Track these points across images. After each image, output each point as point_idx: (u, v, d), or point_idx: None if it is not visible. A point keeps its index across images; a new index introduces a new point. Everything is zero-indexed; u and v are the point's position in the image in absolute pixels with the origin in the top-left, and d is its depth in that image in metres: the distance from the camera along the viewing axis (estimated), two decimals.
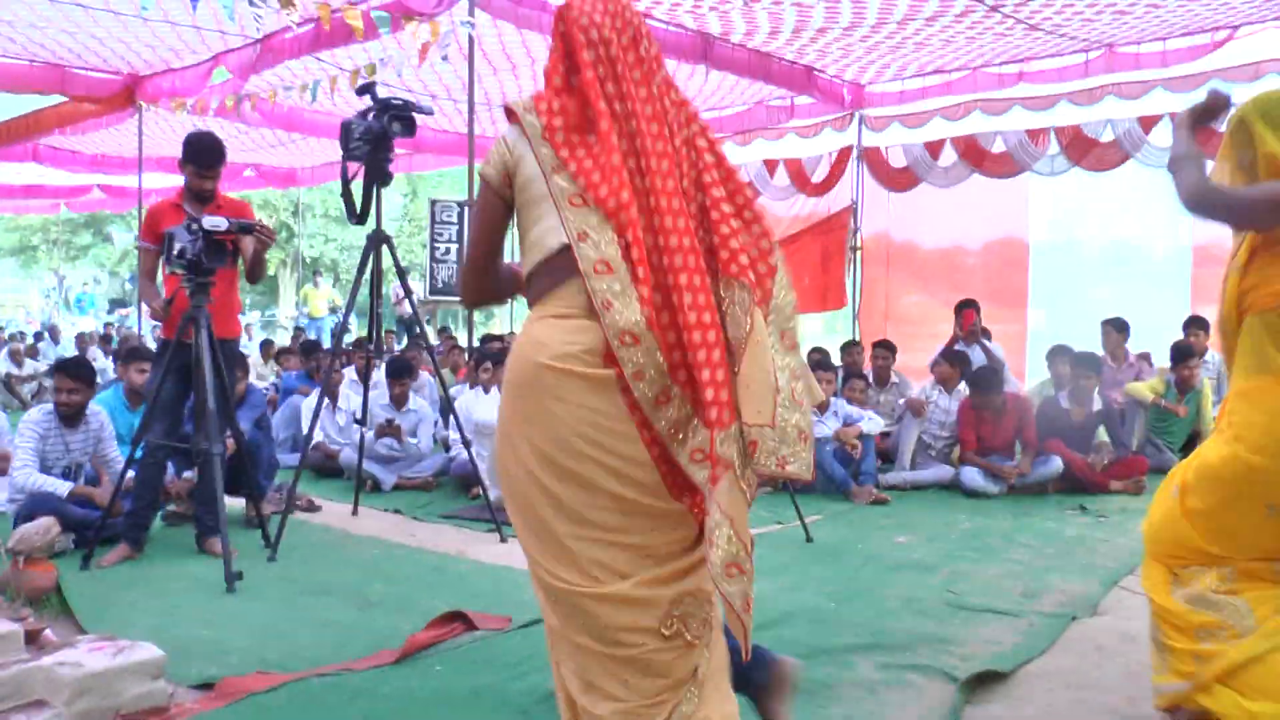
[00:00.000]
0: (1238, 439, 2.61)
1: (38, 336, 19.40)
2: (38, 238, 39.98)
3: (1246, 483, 2.59)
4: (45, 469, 5.17)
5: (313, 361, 8.67)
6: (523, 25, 7.95)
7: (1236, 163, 2.69)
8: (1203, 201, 2.62)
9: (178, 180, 13.94)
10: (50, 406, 5.30)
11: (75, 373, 5.29)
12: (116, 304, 38.58)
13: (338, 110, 10.61)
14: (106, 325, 20.45)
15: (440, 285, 13.78)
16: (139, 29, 8.53)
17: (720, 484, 1.95)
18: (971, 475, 6.92)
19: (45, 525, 3.91)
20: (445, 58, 7.99)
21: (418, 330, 6.79)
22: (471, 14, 7.50)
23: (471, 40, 7.71)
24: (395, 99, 4.91)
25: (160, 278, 4.99)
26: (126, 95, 10.54)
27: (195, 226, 4.43)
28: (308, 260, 27.58)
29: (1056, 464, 6.96)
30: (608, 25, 2.16)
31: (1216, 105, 2.74)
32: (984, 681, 3.33)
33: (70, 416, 5.24)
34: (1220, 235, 9.45)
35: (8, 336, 18.83)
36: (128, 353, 6.63)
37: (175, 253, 4.48)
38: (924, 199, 11.13)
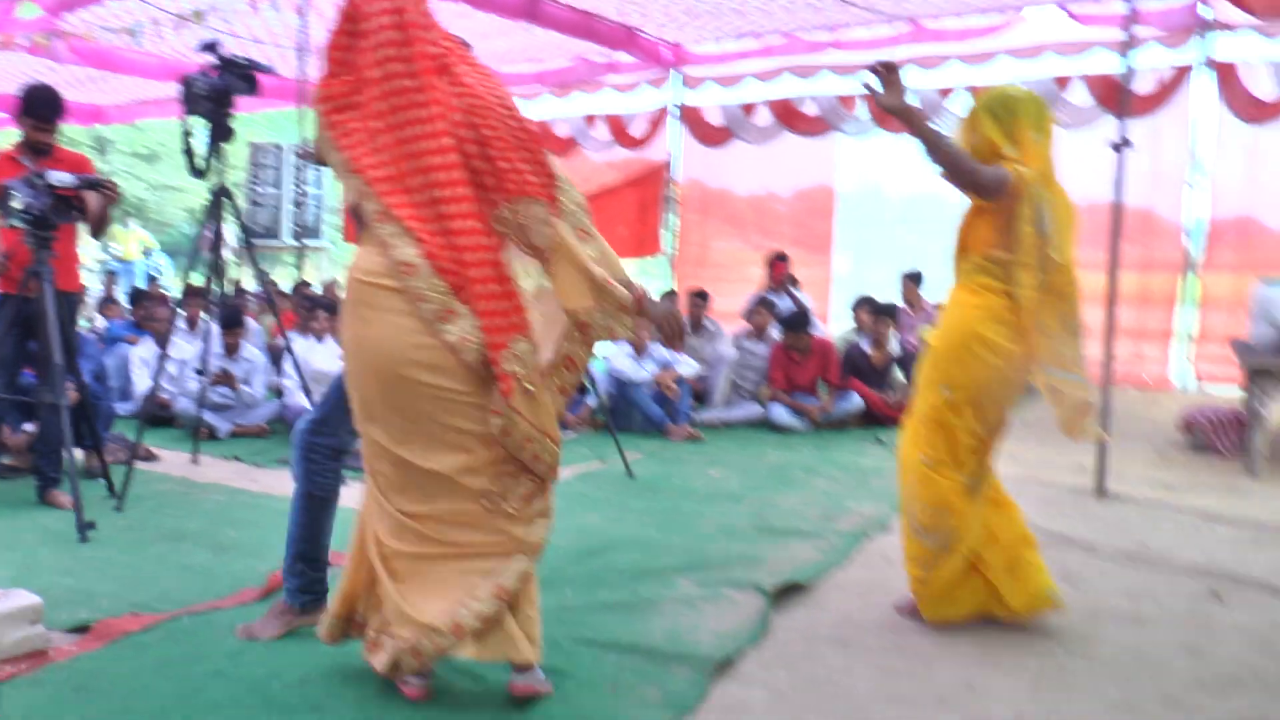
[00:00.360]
0: (938, 333, 3.51)
1: None
2: None
3: (931, 364, 3.48)
4: None
5: (141, 309, 8.56)
6: None
7: (968, 143, 3.43)
8: (954, 172, 3.34)
9: None
10: None
11: None
12: None
13: (155, 52, 10.35)
14: None
15: (260, 231, 13.54)
16: None
17: (512, 395, 2.55)
18: (779, 413, 7.56)
19: None
20: (275, 7, 7.98)
21: (265, 276, 6.87)
22: None
23: None
24: (240, 57, 5.01)
25: None
26: None
27: (40, 182, 4.47)
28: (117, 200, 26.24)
29: (857, 401, 7.67)
30: (375, 19, 2.60)
31: (892, 75, 3.35)
32: (789, 592, 3.86)
33: None
34: None
35: None
36: None
37: (18, 208, 4.50)
38: (738, 151, 11.73)
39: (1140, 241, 9.44)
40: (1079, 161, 7.15)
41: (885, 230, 12.65)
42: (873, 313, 8.21)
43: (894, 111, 3.31)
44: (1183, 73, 9.28)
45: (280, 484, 5.70)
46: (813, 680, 3.05)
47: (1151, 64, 9.33)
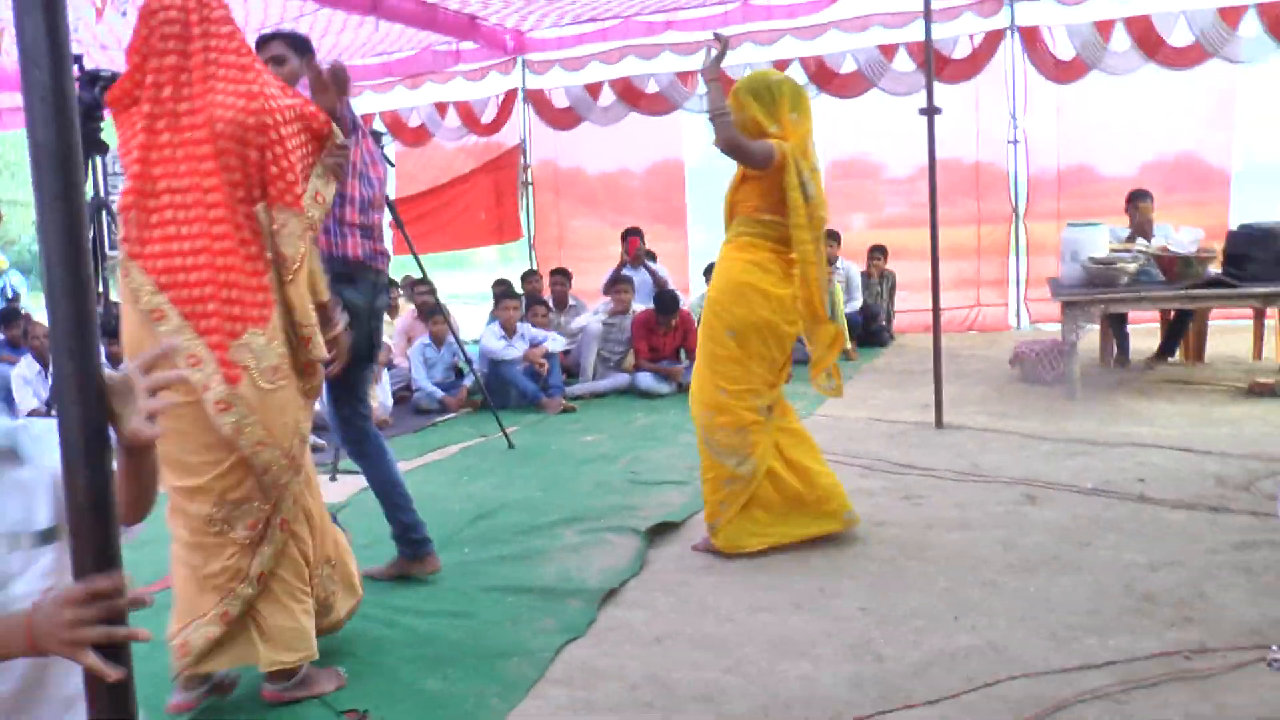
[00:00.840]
0: (712, 286, 4.05)
1: None
2: None
3: (712, 314, 3.96)
4: None
5: (15, 329, 8.42)
6: None
7: (736, 121, 3.91)
8: (733, 148, 3.85)
9: None
10: None
11: None
12: None
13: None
14: None
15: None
16: None
17: (240, 384, 2.59)
18: (645, 379, 8.00)
19: None
20: (124, 14, 7.96)
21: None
22: None
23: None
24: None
25: None
26: None
27: None
28: None
29: None
30: (163, 12, 2.66)
31: (723, 48, 3.93)
32: (663, 531, 4.29)
33: None
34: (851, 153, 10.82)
35: None
36: None
37: None
38: (587, 132, 12.09)
39: (975, 196, 10.23)
40: (908, 125, 7.77)
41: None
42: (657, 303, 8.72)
43: (708, 81, 3.87)
44: (995, 37, 10.02)
45: None
46: (686, 600, 3.47)
47: (967, 30, 10.07)
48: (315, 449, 6.29)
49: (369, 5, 9.51)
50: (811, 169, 3.92)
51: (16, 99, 12.05)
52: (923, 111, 5.95)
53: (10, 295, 11.42)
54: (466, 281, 17.14)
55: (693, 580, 3.68)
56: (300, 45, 3.56)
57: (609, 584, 3.60)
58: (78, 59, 5.03)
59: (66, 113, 1.26)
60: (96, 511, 1.28)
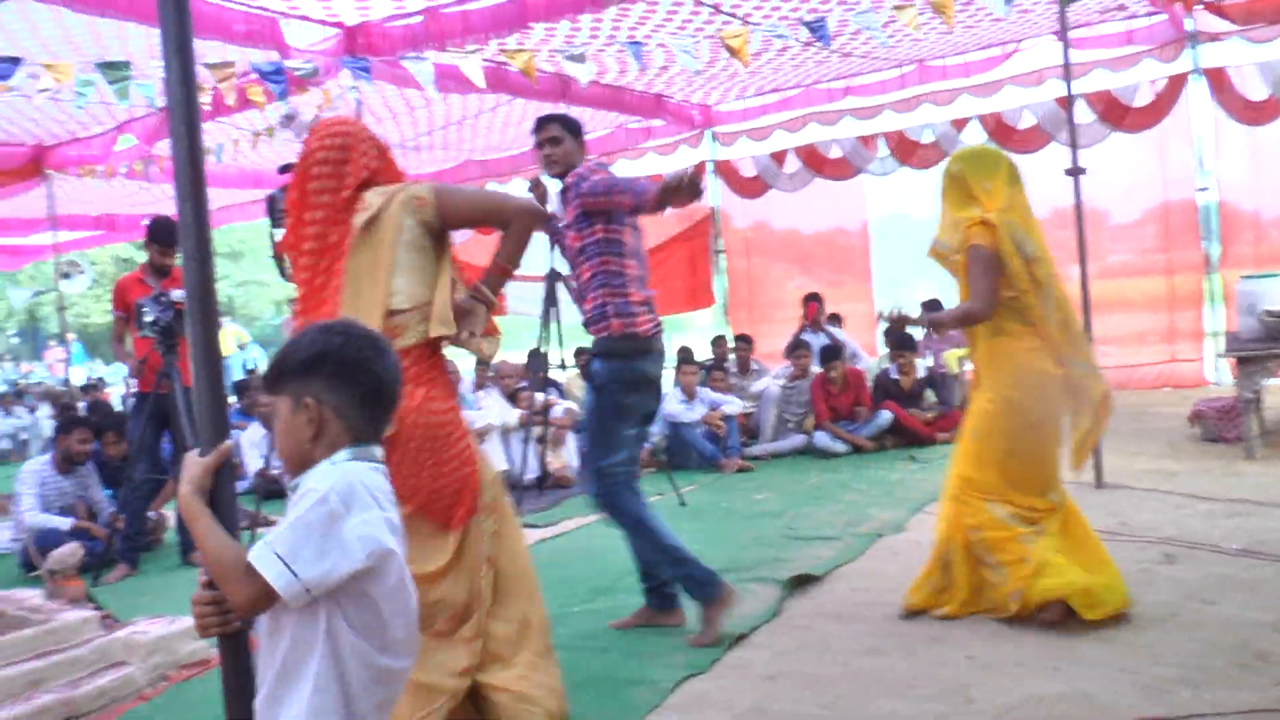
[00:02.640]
0: (996, 383, 3.92)
1: None
2: None
3: (1003, 412, 3.86)
4: (45, 509, 6.11)
5: (247, 399, 9.58)
6: (400, 84, 9.02)
7: (948, 214, 3.99)
8: (985, 313, 3.87)
9: (76, 235, 14.48)
10: (46, 458, 6.27)
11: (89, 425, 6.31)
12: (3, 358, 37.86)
13: (234, 164, 11.55)
14: (16, 383, 20.61)
15: None
16: (46, 104, 9.27)
17: None
18: (822, 439, 8.30)
19: (72, 549, 4.89)
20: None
21: None
22: (356, 81, 8.54)
23: (359, 102, 8.77)
24: None
25: (129, 341, 5.98)
26: (34, 165, 11.22)
27: (165, 299, 5.45)
28: None
29: (886, 416, 8.37)
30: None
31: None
32: (803, 583, 4.59)
33: (70, 463, 6.20)
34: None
35: None
36: (68, 422, 6.85)
37: (149, 320, 5.49)
38: (774, 199, 12.54)
39: (1163, 247, 10.06)
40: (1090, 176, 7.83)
41: (919, 258, 13.23)
42: (893, 344, 8.92)
43: (934, 326, 4.13)
44: (1179, 82, 9.87)
45: None
46: (808, 643, 3.79)
47: (1148, 76, 9.97)
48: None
49: (558, 93, 10.33)
50: (1025, 222, 3.88)
51: (248, 194, 13.62)
52: (1069, 172, 6.07)
53: (251, 368, 12.79)
54: (685, 343, 17.58)
55: (819, 625, 3.99)
56: (573, 128, 4.19)
57: (740, 629, 3.95)
58: (288, 167, 5.83)
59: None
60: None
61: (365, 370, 1.89)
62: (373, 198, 2.97)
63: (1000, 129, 10.70)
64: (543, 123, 4.21)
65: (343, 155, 2.99)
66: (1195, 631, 3.59)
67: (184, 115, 1.84)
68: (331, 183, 2.97)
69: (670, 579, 4.10)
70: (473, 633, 2.94)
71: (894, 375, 8.86)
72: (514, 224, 3.09)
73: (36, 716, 3.47)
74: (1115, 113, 10.04)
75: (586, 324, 4.14)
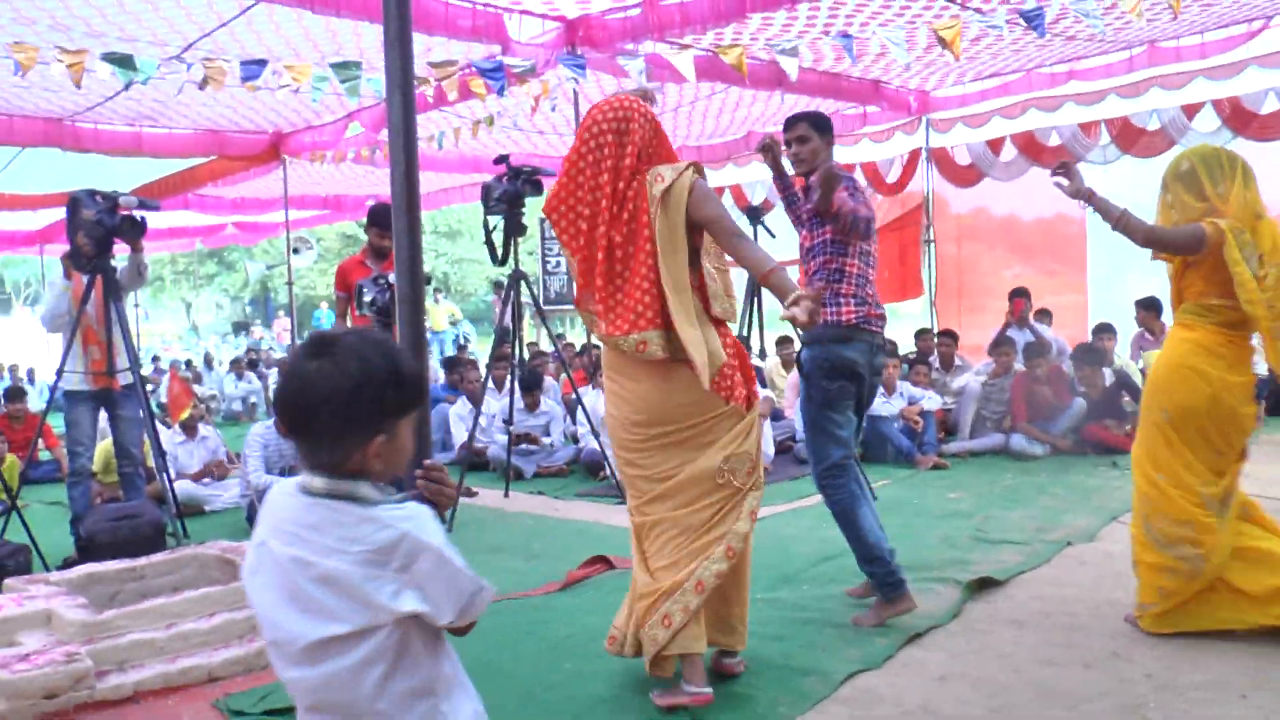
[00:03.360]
0: (1155, 365, 3.96)
1: (188, 365, 21.31)
2: (166, 270, 42.57)
3: (1149, 395, 3.91)
4: (268, 470, 6.71)
5: (455, 374, 10.14)
6: (618, 74, 9.29)
7: (1176, 214, 3.87)
8: (1152, 242, 3.85)
9: (305, 214, 15.58)
10: (270, 421, 6.85)
11: None
12: (239, 327, 41.08)
13: (454, 150, 12.19)
14: (249, 350, 22.30)
15: (553, 296, 15.22)
16: (286, 95, 10.02)
17: None
18: (1019, 440, 8.08)
19: None
20: (554, 108, 9.41)
21: (557, 339, 8.28)
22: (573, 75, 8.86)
23: (575, 93, 9.10)
24: (526, 166, 6.29)
25: (349, 320, 6.47)
26: (272, 151, 12.16)
27: (383, 281, 5.88)
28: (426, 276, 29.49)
29: (1079, 404, 8.07)
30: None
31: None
32: (986, 586, 4.57)
33: None
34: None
35: (168, 365, 20.90)
36: None
37: (367, 301, 5.93)
38: (987, 188, 12.19)
39: None
40: None
41: (1136, 251, 12.56)
42: (1077, 357, 8.62)
43: (1087, 200, 3.92)
44: None
45: (577, 511, 6.90)
46: (984, 648, 3.79)
47: None
48: None
49: (774, 80, 10.36)
50: (1263, 233, 3.73)
51: (466, 179, 14.27)
52: None
53: (463, 342, 13.41)
54: (893, 333, 17.24)
55: (998, 630, 3.97)
56: (822, 125, 4.36)
57: (917, 628, 3.99)
58: (504, 158, 6.17)
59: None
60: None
61: None
62: (667, 172, 3.29)
63: (1237, 114, 10.02)
64: (791, 122, 4.38)
65: (624, 127, 3.33)
66: None
67: (401, 104, 2.06)
68: (614, 150, 3.30)
69: (865, 571, 4.20)
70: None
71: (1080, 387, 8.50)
72: (740, 247, 3.32)
73: (258, 657, 3.89)
74: None
75: None
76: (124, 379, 5.95)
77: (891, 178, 12.85)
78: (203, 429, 8.22)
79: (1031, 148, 11.57)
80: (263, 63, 7.61)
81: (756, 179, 13.77)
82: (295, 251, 14.94)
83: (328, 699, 1.76)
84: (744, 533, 3.33)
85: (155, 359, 23.03)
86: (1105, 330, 8.96)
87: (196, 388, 16.58)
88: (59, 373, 5.86)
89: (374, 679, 1.73)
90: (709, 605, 3.36)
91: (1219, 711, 3.13)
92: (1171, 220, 3.87)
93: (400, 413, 1.78)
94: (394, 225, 2.01)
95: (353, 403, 1.71)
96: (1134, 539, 3.94)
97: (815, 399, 4.22)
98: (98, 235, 5.58)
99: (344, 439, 1.73)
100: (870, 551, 4.13)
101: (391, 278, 5.92)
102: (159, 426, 6.61)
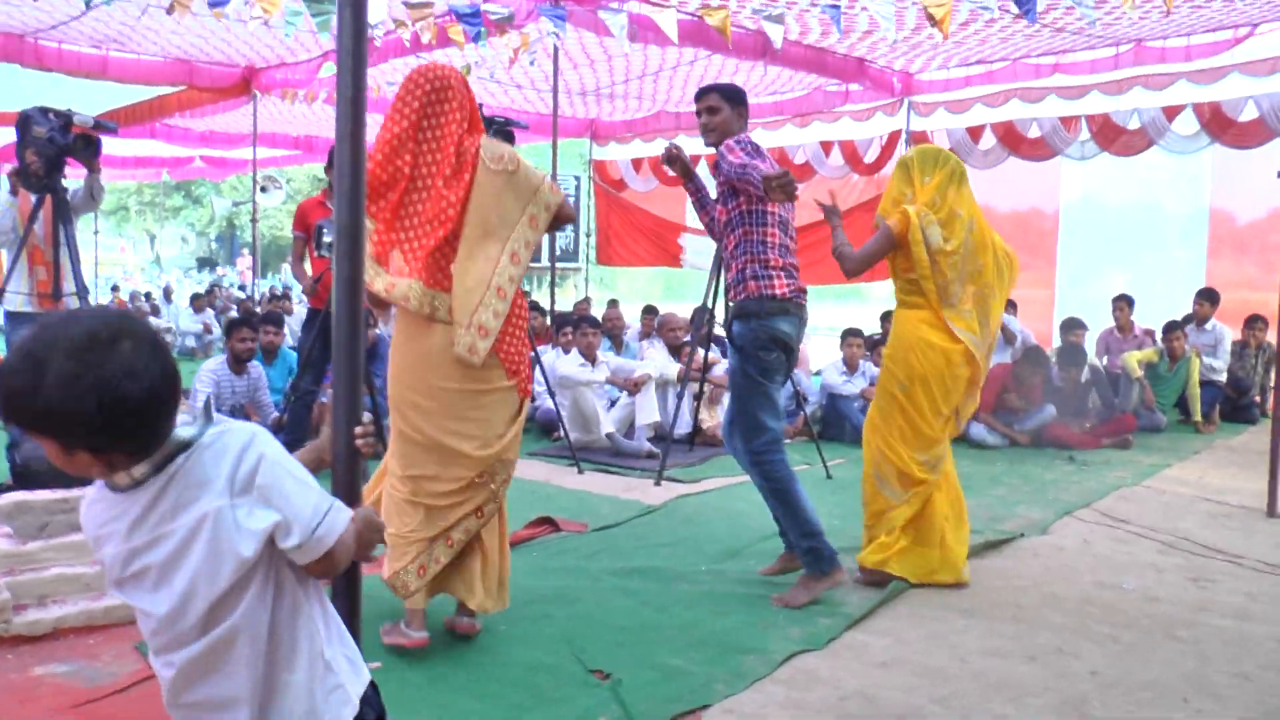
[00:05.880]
0: (888, 341, 4.47)
1: (148, 297, 20.96)
2: (132, 200, 41.82)
3: (885, 368, 4.40)
4: (218, 407, 6.56)
5: None
6: (600, 32, 9.11)
7: (891, 197, 4.39)
8: (862, 268, 4.39)
9: (275, 153, 15.24)
10: (223, 358, 6.69)
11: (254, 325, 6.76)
12: (204, 262, 40.46)
13: None
14: (212, 287, 22.00)
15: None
16: (260, 30, 9.74)
17: None
18: (978, 430, 8.04)
19: None
20: (533, 61, 9.21)
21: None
22: (556, 28, 8.67)
23: (555, 49, 8.91)
24: (498, 117, 6.11)
25: (308, 260, 6.31)
26: (243, 85, 11.86)
27: None
28: None
29: (1050, 411, 8.06)
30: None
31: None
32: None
33: (239, 363, 6.63)
34: (1232, 206, 10.59)
35: (128, 298, 20.56)
36: (230, 324, 7.41)
37: (326, 242, 5.76)
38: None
39: None
40: None
41: (1108, 246, 12.65)
42: (1059, 356, 8.62)
43: (830, 217, 4.48)
44: None
45: (529, 470, 6.79)
46: (931, 635, 3.74)
47: None
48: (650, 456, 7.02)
49: (759, 51, 10.21)
50: (946, 217, 4.24)
51: None
52: None
53: None
54: (859, 314, 17.13)
55: (945, 619, 3.92)
56: (733, 97, 4.26)
57: (862, 610, 3.93)
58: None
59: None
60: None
61: None
62: (507, 152, 3.35)
63: (1216, 119, 10.01)
64: (702, 93, 4.32)
65: (443, 95, 3.34)
66: None
67: (351, 17, 1.92)
68: (437, 120, 3.32)
69: (795, 545, 4.19)
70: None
71: (1057, 383, 8.50)
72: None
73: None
74: None
75: (727, 289, 4.31)
76: (70, 304, 5.75)
77: (869, 158, 12.77)
78: None
79: (1010, 138, 11.51)
80: None
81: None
82: (263, 190, 14.67)
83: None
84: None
85: (115, 288, 22.66)
86: (1076, 325, 8.93)
87: (153, 320, 16.34)
88: (1, 293, 5.65)
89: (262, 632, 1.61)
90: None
91: (1159, 713, 3.09)
92: (889, 200, 4.38)
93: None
94: (337, 157, 1.88)
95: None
96: (864, 491, 4.56)
97: (753, 370, 4.14)
98: (49, 154, 5.37)
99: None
100: (810, 526, 4.14)
101: None
102: None
